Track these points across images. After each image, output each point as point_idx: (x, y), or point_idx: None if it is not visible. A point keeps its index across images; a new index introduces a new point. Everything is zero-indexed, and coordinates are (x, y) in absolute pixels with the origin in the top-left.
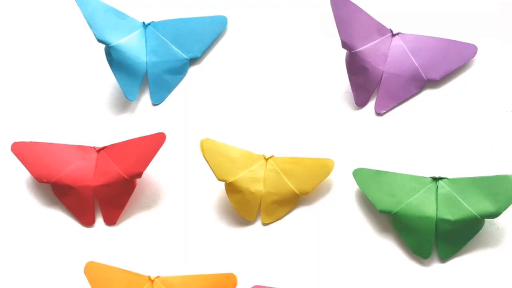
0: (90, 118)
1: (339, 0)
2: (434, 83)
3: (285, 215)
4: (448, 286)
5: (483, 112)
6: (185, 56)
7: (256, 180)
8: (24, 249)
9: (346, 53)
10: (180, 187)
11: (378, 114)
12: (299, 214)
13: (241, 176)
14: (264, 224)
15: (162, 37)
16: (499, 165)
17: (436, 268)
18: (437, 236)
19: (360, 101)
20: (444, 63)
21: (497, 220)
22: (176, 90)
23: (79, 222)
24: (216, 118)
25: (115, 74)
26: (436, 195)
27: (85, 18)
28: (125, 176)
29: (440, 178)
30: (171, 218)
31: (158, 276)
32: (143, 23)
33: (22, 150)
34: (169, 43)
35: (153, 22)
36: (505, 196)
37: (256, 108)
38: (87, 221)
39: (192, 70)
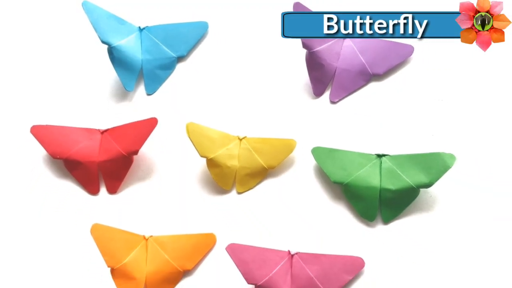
0: (95, 105)
1: (299, 6)
2: (378, 77)
3: (255, 185)
4: (389, 244)
5: (418, 100)
6: (173, 55)
7: (232, 157)
8: (41, 214)
9: (306, 52)
10: (169, 162)
11: (332, 102)
12: (267, 184)
13: (219, 153)
14: (239, 193)
15: (155, 39)
16: (432, 144)
17: (380, 229)
18: (381, 203)
19: (317, 92)
20: (386, 61)
21: (430, 189)
22: (166, 83)
23: (86, 191)
24: (199, 105)
25: (116, 70)
26: (380, 169)
27: (91, 23)
28: (124, 153)
29: (383, 155)
30: (162, 188)
31: (151, 236)
32: (139, 27)
33: (39, 132)
34: (160, 44)
35: (147, 26)
36: (437, 170)
37: (232, 97)
38: (93, 191)
39: (179, 66)
